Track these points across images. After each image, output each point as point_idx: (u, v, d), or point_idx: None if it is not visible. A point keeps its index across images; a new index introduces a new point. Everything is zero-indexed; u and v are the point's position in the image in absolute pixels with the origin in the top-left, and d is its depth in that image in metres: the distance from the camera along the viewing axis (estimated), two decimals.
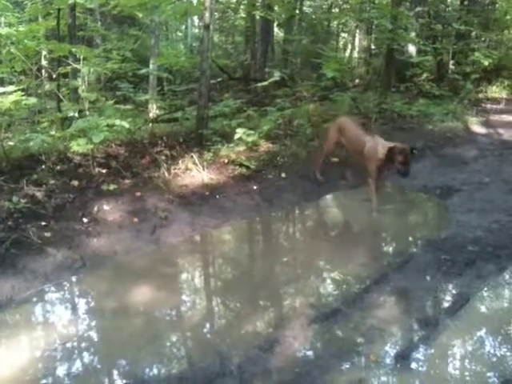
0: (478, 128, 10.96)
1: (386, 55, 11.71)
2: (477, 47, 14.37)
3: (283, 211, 5.93)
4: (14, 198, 5.12)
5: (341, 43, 19.03)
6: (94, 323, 3.84)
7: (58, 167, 6.01)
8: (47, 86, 9.28)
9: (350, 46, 18.17)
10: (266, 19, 12.93)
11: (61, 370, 3.26)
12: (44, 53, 9.43)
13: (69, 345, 3.50)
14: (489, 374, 3.24)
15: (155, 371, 3.20)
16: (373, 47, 16.20)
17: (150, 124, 8.11)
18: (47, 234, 4.86)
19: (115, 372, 3.24)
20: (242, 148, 7.52)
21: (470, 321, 3.83)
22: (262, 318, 3.78)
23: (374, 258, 4.91)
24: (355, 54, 16.62)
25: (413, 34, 12.96)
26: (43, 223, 4.99)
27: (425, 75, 14.10)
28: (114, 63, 7.19)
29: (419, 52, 14.00)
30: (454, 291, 4.30)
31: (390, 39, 10.46)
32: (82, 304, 4.07)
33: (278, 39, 17.43)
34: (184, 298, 4.16)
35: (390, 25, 9.26)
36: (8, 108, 5.63)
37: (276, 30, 17.21)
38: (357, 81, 13.34)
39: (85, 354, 3.45)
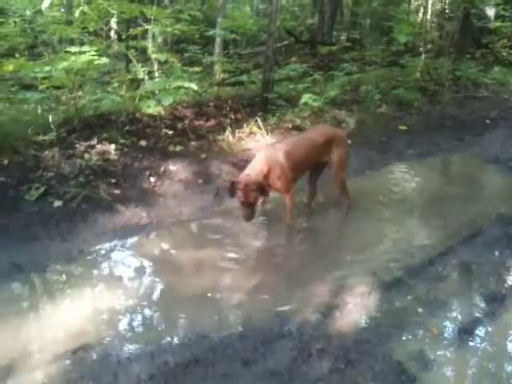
0: None
1: (462, 19, 11.12)
2: None
3: (347, 179, 5.85)
4: (86, 156, 5.32)
5: (413, 6, 18.19)
6: (158, 279, 3.96)
7: (127, 127, 6.17)
8: (116, 47, 9.44)
9: (422, 9, 17.34)
10: None
11: (124, 323, 3.39)
12: (113, 13, 9.58)
13: (133, 299, 3.62)
14: None
15: (217, 328, 3.28)
16: (447, 11, 15.41)
17: (216, 87, 8.13)
18: (116, 191, 5.04)
19: (178, 327, 3.34)
20: (306, 113, 7.45)
21: None
22: (323, 284, 3.78)
23: (440, 230, 4.77)
24: (428, 18, 15.87)
25: None
26: (113, 180, 5.17)
27: (502, 42, 13.34)
28: (183, 25, 7.20)
29: (497, 17, 13.24)
30: None
31: (468, 2, 9.91)
32: (147, 260, 4.19)
33: (347, 1, 16.89)
34: (247, 258, 4.20)
35: None
36: (80, 68, 5.78)
37: None
38: (429, 46, 12.78)
39: (148, 309, 3.56)
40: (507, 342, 3.29)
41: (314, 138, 4.89)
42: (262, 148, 4.80)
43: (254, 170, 4.44)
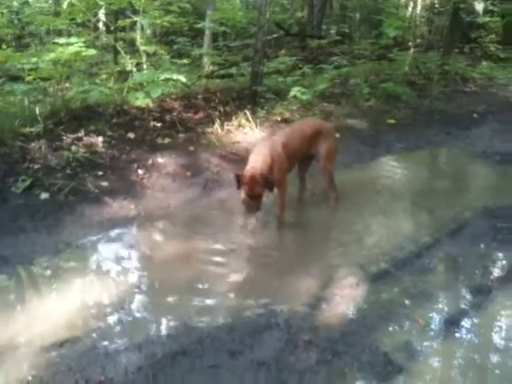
0: None
1: (451, 14, 11.15)
2: None
3: (335, 172, 5.86)
4: (73, 148, 5.28)
5: (402, 0, 18.21)
6: (146, 272, 3.95)
7: (115, 119, 6.13)
8: (104, 39, 9.38)
9: (411, 4, 17.36)
10: None
11: (111, 316, 3.37)
12: (102, 4, 9.50)
13: (121, 291, 3.61)
14: None
15: (204, 320, 3.28)
16: (436, 5, 15.46)
17: (205, 79, 8.09)
18: (104, 184, 5.01)
19: (165, 319, 3.33)
20: (295, 106, 7.44)
21: None
22: (310, 276, 3.79)
23: (427, 223, 4.83)
24: (417, 12, 15.90)
25: None
26: (100, 173, 5.14)
27: (490, 37, 13.43)
28: (172, 16, 7.16)
29: (486, 12, 13.30)
30: (508, 260, 4.18)
31: None
32: (135, 253, 4.18)
33: None
34: (236, 251, 4.19)
35: None
36: (68, 59, 5.72)
37: None
38: (418, 40, 12.82)
39: (136, 301, 3.55)
40: (493, 334, 3.33)
41: (304, 129, 4.89)
42: (260, 140, 4.71)
43: (258, 162, 4.32)
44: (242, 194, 4.29)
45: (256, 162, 4.33)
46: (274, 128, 6.78)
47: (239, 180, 4.27)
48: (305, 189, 5.23)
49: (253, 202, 4.28)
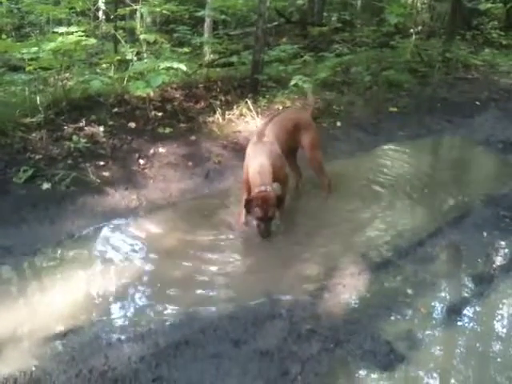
0: None
1: (452, 0, 11.05)
2: None
3: (337, 161, 5.84)
4: (74, 138, 5.27)
5: None
6: (148, 262, 3.94)
7: (116, 109, 6.11)
8: (104, 28, 9.32)
9: None
10: None
11: (115, 307, 3.39)
12: None
13: (123, 281, 3.62)
14: None
15: (207, 310, 3.29)
16: None
17: (206, 68, 8.05)
18: (105, 174, 5.01)
19: (167, 310, 3.33)
20: (297, 95, 7.41)
21: None
22: (313, 265, 3.79)
23: (429, 211, 4.81)
24: None
25: None
26: (102, 163, 5.14)
27: (492, 23, 13.33)
28: (172, 4, 7.11)
29: None
30: (511, 248, 4.18)
31: None
32: (137, 243, 4.17)
33: None
34: (237, 240, 4.20)
35: None
36: (68, 49, 5.70)
37: None
38: (420, 27, 12.72)
39: (138, 291, 3.57)
40: (495, 322, 3.34)
41: (285, 124, 4.73)
42: (253, 147, 4.49)
43: (265, 178, 4.15)
44: (256, 218, 4.16)
45: (263, 178, 4.14)
46: None
47: (250, 204, 4.11)
48: (300, 177, 5.21)
49: (266, 223, 4.16)
